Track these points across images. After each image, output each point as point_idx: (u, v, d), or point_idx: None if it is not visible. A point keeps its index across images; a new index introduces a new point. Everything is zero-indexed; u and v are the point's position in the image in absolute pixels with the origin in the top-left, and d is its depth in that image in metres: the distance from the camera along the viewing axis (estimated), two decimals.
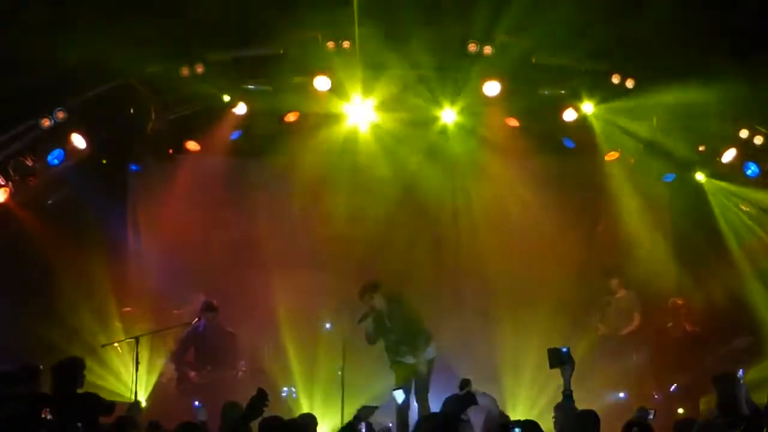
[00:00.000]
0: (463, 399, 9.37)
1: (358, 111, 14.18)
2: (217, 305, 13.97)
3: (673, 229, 15.46)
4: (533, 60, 13.41)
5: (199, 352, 13.98)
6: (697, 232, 14.81)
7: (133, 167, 15.08)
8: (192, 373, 13.83)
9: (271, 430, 8.86)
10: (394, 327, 12.99)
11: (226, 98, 13.76)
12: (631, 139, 14.24)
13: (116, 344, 13.82)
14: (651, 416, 11.69)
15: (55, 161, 13.53)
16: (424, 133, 14.71)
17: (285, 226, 15.46)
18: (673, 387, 13.28)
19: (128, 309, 14.58)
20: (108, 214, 14.72)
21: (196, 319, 13.92)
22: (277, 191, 15.51)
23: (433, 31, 12.93)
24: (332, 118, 14.24)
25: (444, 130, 14.49)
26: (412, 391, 12.73)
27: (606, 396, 13.57)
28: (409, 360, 13.03)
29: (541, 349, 12.36)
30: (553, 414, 10.42)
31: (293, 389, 14.03)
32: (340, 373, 13.73)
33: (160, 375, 14.08)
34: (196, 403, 12.78)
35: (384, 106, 14.13)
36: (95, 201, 14.31)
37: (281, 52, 13.10)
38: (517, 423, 8.92)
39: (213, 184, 15.32)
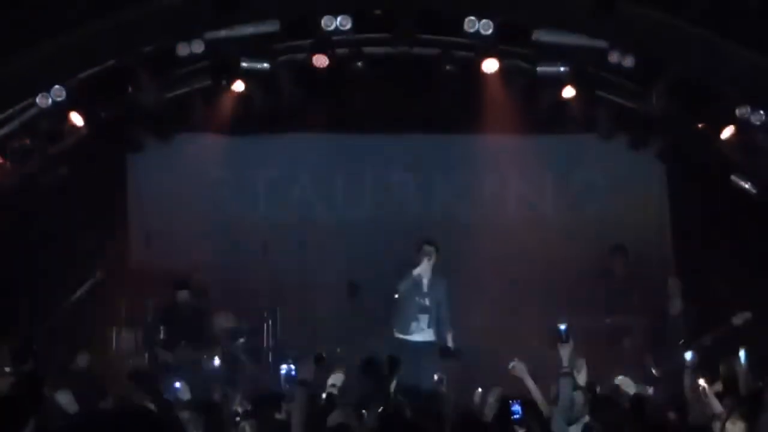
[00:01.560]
0: None
1: None
2: (191, 283, 13.95)
3: (671, 207, 15.47)
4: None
5: (170, 331, 13.79)
6: (695, 211, 14.81)
7: (133, 147, 14.99)
8: (163, 354, 13.66)
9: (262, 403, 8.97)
10: (429, 294, 13.28)
11: (225, 76, 13.63)
12: (629, 117, 14.19)
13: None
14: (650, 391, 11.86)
15: (54, 141, 13.46)
16: None
17: (285, 204, 15.50)
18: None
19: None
20: (107, 194, 14.73)
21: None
22: (277, 170, 15.56)
23: None
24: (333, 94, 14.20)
25: None
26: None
27: None
28: (423, 336, 13.23)
29: (538, 327, 13.10)
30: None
31: (292, 367, 13.86)
32: (339, 350, 13.77)
33: (128, 359, 13.95)
34: (177, 384, 12.50)
35: None
36: (94, 181, 14.29)
37: (277, 29, 13.03)
38: (517, 399, 8.99)
39: (212, 162, 15.35)
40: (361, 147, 15.63)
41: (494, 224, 15.30)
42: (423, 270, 13.32)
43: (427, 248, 13.33)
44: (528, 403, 9.37)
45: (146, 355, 13.92)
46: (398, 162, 15.69)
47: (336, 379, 9.70)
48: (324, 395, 9.47)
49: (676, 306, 13.71)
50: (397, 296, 13.44)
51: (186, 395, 10.75)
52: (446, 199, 15.76)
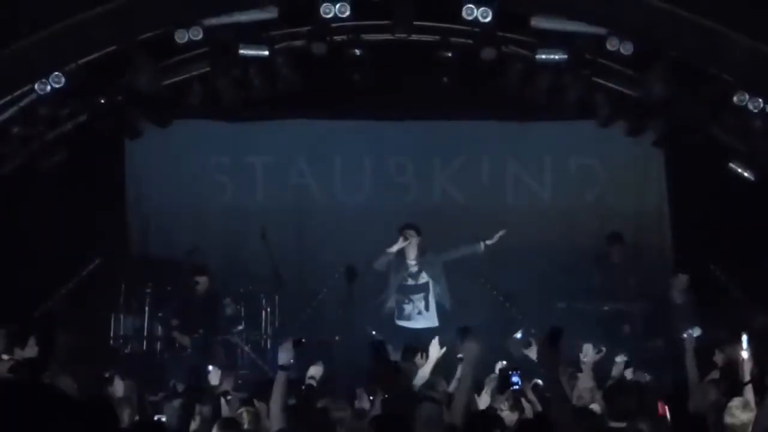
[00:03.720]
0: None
1: None
2: (206, 269, 13.89)
3: (670, 194, 15.54)
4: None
5: (186, 316, 13.73)
6: (693, 197, 14.86)
7: (131, 133, 14.72)
8: (180, 338, 13.64)
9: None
10: (420, 273, 13.21)
11: (223, 62, 13.49)
12: (627, 103, 14.09)
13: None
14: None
15: (53, 127, 13.44)
16: None
17: (284, 190, 15.59)
18: None
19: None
20: (106, 180, 14.76)
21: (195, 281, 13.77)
22: (275, 155, 15.60)
23: None
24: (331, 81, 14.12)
25: None
26: None
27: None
28: (425, 321, 13.10)
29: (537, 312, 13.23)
30: None
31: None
32: (338, 338, 13.79)
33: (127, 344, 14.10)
34: (210, 368, 12.56)
35: None
36: (93, 167, 14.31)
37: (276, 16, 13.00)
38: (515, 368, 9.17)
39: (210, 148, 15.44)
40: (360, 133, 15.65)
41: (492, 210, 15.34)
42: (398, 248, 13.19)
43: (406, 231, 13.26)
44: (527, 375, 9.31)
45: (145, 340, 14.07)
46: (396, 147, 15.74)
47: (315, 371, 9.66)
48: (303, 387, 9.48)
49: (681, 297, 13.77)
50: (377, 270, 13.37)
51: (215, 380, 10.41)
52: (444, 185, 15.81)
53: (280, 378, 8.34)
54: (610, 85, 13.94)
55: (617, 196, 15.58)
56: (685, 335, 10.68)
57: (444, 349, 9.58)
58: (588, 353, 9.97)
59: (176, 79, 13.81)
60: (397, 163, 15.80)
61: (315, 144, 15.50)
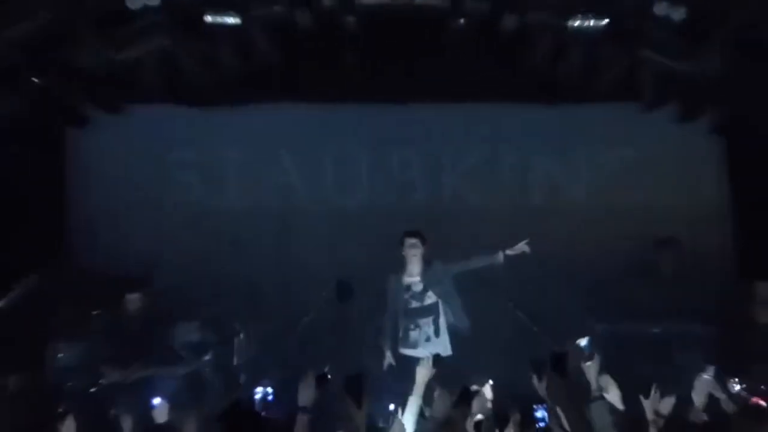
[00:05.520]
0: None
1: None
2: (144, 285, 12.87)
3: (733, 191, 14.53)
4: None
5: (119, 345, 12.62)
6: (762, 195, 13.73)
7: (74, 121, 13.89)
8: (112, 372, 12.40)
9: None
10: (427, 291, 12.28)
11: (186, 34, 12.49)
12: (679, 82, 13.01)
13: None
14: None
15: None
16: None
17: (262, 190, 14.70)
18: None
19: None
20: (43, 180, 13.79)
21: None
22: (252, 148, 14.69)
23: None
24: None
25: None
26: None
27: None
28: (434, 348, 11.94)
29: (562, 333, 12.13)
30: None
31: (269, 390, 12.60)
32: (327, 369, 12.04)
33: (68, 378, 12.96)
34: (155, 401, 11.38)
35: None
36: (27, 164, 13.29)
37: None
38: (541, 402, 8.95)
39: (172, 140, 14.60)
40: (354, 120, 14.59)
41: (513, 212, 14.40)
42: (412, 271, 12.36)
43: (410, 241, 12.34)
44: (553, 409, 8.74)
45: (88, 373, 12.83)
46: (399, 138, 14.75)
47: None
48: None
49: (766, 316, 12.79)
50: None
51: (163, 417, 10.17)
52: (456, 182, 14.81)
53: (301, 423, 8.10)
54: (658, 59, 12.71)
55: (667, 194, 14.56)
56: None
57: (435, 371, 9.04)
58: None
59: (129, 54, 12.67)
60: (399, 156, 14.84)
61: (300, 134, 14.51)
